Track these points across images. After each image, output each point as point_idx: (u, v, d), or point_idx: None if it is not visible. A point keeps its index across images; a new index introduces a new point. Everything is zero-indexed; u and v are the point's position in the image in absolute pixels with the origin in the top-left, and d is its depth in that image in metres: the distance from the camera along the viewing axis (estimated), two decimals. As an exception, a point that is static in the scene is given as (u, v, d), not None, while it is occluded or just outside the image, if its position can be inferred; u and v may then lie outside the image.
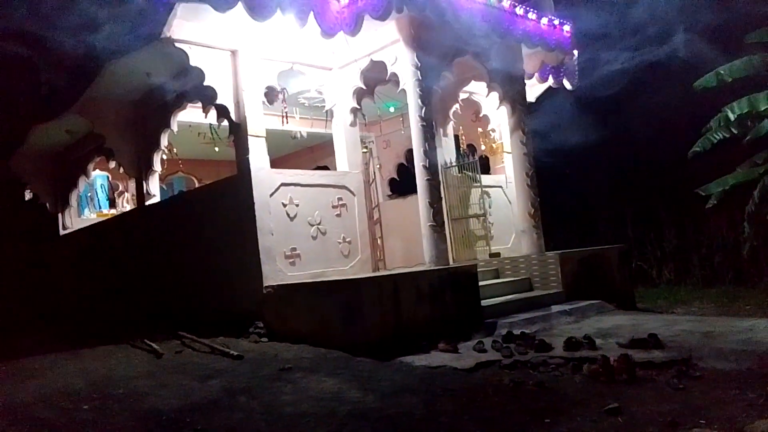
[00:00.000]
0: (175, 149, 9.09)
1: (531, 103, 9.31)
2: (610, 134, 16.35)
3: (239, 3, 5.86)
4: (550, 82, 9.24)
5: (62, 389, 4.69)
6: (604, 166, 16.02)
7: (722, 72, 11.66)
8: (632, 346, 5.07)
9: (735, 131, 11.73)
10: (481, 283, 6.70)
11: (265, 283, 6.55)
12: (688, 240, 12.91)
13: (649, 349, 5.01)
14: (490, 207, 8.91)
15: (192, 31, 6.41)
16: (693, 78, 12.07)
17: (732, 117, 11.47)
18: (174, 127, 7.68)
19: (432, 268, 6.68)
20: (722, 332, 5.58)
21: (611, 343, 5.33)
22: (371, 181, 10.05)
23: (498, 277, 8.03)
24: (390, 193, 10.38)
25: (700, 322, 6.43)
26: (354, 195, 7.68)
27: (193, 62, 6.46)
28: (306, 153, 11.32)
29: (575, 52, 8.98)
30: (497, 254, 8.45)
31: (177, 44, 6.31)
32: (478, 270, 6.77)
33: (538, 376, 4.58)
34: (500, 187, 9.42)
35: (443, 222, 7.09)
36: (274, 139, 7.45)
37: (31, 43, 8.83)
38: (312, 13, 6.34)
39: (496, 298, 7.12)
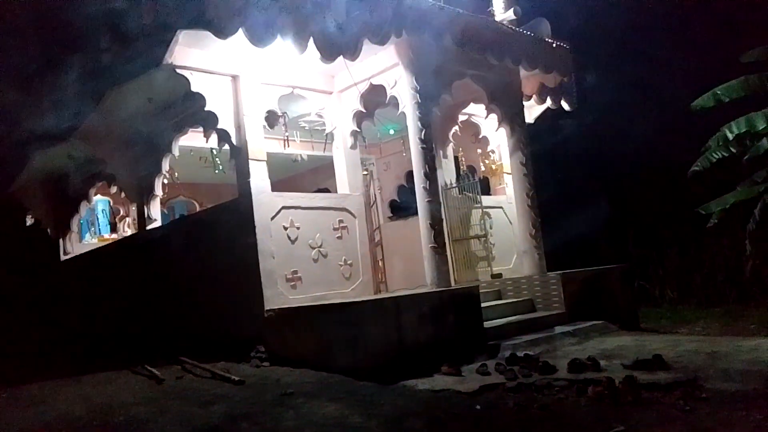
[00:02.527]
0: (176, 173, 9.12)
1: (530, 124, 9.37)
2: (610, 153, 16.46)
3: (240, 30, 5.93)
4: (549, 103, 9.31)
5: (63, 416, 4.65)
6: (604, 186, 16.09)
7: (719, 92, 11.75)
8: (637, 368, 5.03)
9: (734, 150, 11.77)
10: (483, 305, 6.67)
11: (267, 307, 6.52)
12: (690, 259, 12.88)
13: (654, 370, 4.96)
14: (491, 228, 8.91)
15: (193, 57, 6.49)
16: (691, 98, 12.16)
17: (730, 136, 11.52)
18: (175, 151, 7.72)
19: (434, 289, 6.66)
20: (727, 352, 5.53)
21: (616, 364, 5.29)
22: (372, 203, 10.06)
23: (500, 298, 7.99)
24: (391, 214, 10.38)
25: (704, 342, 6.39)
26: (355, 217, 7.69)
27: (194, 88, 6.52)
28: (307, 176, 11.34)
29: (573, 73, 9.06)
30: (499, 275, 8.42)
31: (178, 70, 6.38)
32: (480, 291, 6.74)
33: (542, 399, 4.53)
34: (501, 207, 9.42)
35: (444, 243, 7.08)
36: (275, 162, 7.48)
37: (34, 69, 8.93)
38: (311, 38, 6.42)
39: (499, 320, 7.08)
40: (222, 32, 5.90)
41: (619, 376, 4.58)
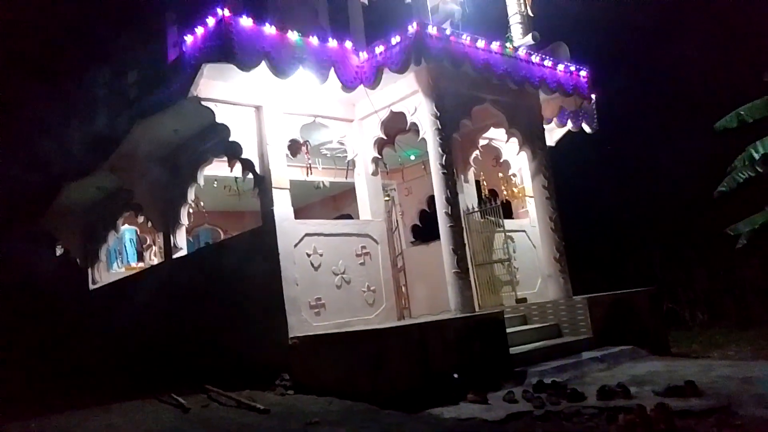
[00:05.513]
0: (201, 202, 9.27)
1: (551, 147, 9.34)
2: (635, 176, 16.30)
3: (263, 62, 6.08)
4: (569, 126, 9.29)
5: (90, 446, 4.69)
6: (630, 208, 15.91)
7: (742, 112, 11.64)
8: (669, 394, 4.91)
9: (760, 170, 11.60)
10: (508, 330, 6.59)
11: (291, 334, 6.53)
12: (719, 281, 12.60)
13: (686, 397, 4.84)
14: (514, 251, 8.84)
15: (218, 90, 6.64)
16: (715, 118, 12.06)
17: (756, 156, 11.38)
18: (201, 181, 7.86)
19: (458, 315, 6.60)
20: (761, 377, 5.38)
21: (647, 391, 5.17)
22: (394, 228, 10.07)
23: (526, 324, 7.89)
24: (413, 239, 10.38)
25: (737, 367, 6.21)
26: (377, 243, 7.71)
27: (219, 119, 6.67)
28: (329, 202, 11.44)
29: (593, 96, 9.05)
30: (524, 299, 8.33)
31: (204, 102, 6.54)
32: (505, 316, 6.67)
33: (571, 427, 4.45)
34: (524, 231, 9.36)
35: (467, 268, 7.05)
36: (297, 189, 7.57)
37: (64, 103, 9.23)
38: (333, 68, 6.53)
39: (525, 346, 6.98)
40: (245, 65, 6.06)
41: (651, 404, 4.47)
